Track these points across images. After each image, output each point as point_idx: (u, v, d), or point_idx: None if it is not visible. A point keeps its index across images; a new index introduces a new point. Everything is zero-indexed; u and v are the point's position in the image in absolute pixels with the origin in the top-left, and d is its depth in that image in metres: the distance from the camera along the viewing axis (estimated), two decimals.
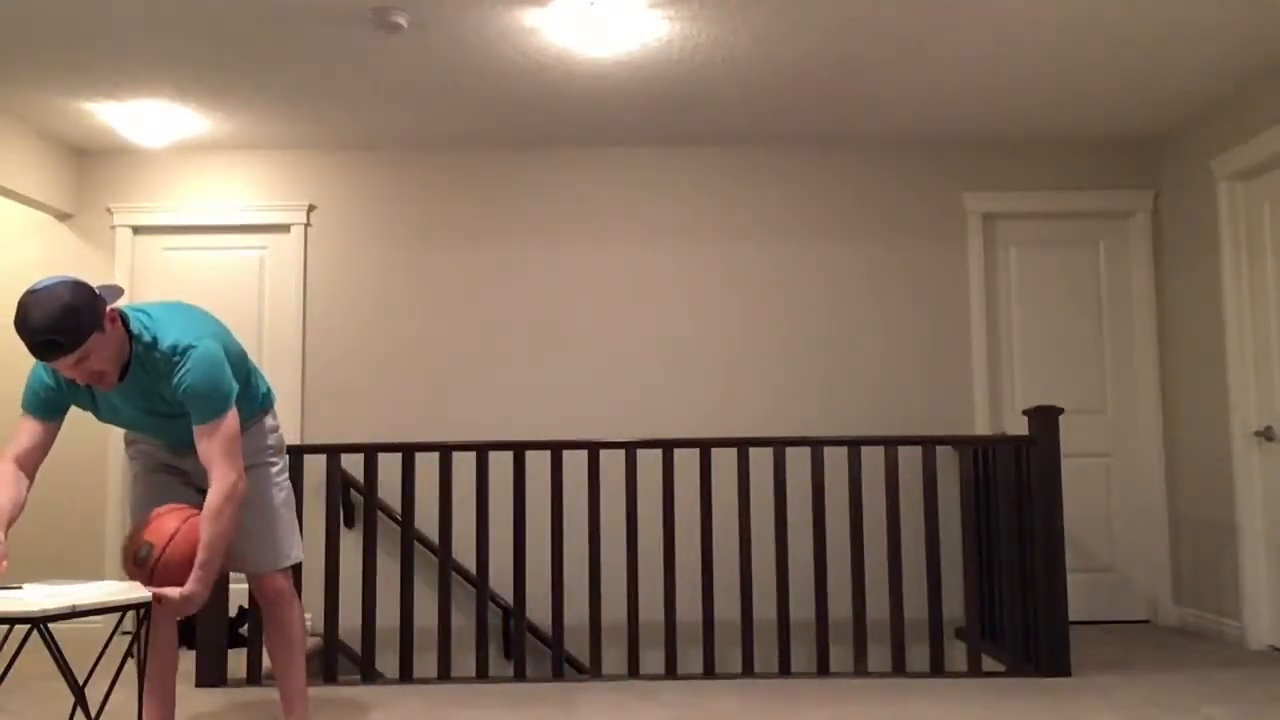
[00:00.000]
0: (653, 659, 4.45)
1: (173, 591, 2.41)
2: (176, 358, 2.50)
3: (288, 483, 2.93)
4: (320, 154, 5.56)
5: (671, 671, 4.18)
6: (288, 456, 3.00)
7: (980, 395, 5.41)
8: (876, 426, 5.18)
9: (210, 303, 5.52)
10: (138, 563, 2.44)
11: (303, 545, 2.96)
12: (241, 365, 2.73)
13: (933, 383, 5.44)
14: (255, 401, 2.89)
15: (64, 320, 2.29)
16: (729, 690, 3.91)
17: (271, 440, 2.92)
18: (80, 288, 2.35)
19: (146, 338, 2.51)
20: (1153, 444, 5.40)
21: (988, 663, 4.32)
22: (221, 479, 2.48)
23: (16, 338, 2.16)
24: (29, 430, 2.55)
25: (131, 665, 3.08)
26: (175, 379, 2.49)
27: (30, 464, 2.55)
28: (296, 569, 3.14)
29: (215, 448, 2.51)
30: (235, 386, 2.58)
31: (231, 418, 2.54)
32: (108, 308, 2.41)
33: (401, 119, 5.09)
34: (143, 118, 4.96)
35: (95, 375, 2.42)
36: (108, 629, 3.43)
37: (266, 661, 4.17)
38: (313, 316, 5.48)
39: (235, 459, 2.52)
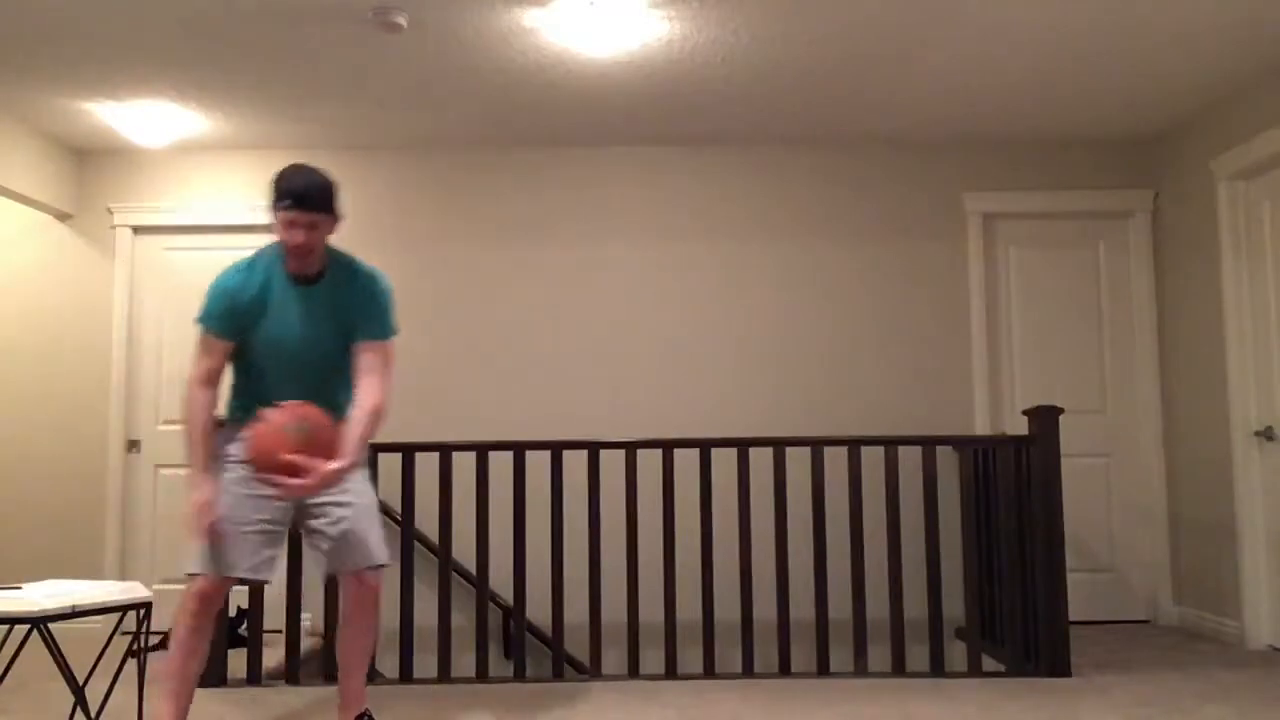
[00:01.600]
0: (653, 659, 4.45)
1: (328, 465, 2.58)
2: (375, 277, 2.87)
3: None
4: (320, 154, 5.56)
5: (671, 671, 4.18)
6: None
7: (980, 395, 5.41)
8: (876, 426, 5.18)
9: None
10: (300, 437, 2.56)
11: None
12: None
13: (933, 383, 5.44)
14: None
15: (327, 187, 2.76)
16: (729, 690, 3.91)
17: None
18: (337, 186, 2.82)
19: (345, 259, 2.88)
20: (1153, 444, 5.40)
21: (988, 663, 4.32)
22: (380, 389, 2.77)
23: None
24: (217, 349, 2.79)
25: (132, 665, 3.08)
26: (373, 290, 2.84)
27: (217, 382, 2.79)
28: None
29: (379, 361, 2.81)
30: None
31: (393, 348, 2.87)
32: (339, 217, 2.83)
33: (402, 119, 5.09)
34: (143, 118, 4.96)
35: (307, 249, 2.73)
36: (108, 629, 3.43)
37: (268, 661, 4.18)
38: None
39: (389, 381, 2.83)
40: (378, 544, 2.86)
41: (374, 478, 4.19)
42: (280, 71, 4.43)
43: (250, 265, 2.84)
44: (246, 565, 2.75)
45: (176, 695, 2.77)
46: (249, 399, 2.85)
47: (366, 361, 2.80)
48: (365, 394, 2.76)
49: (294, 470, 2.56)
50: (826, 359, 5.44)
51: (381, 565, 2.86)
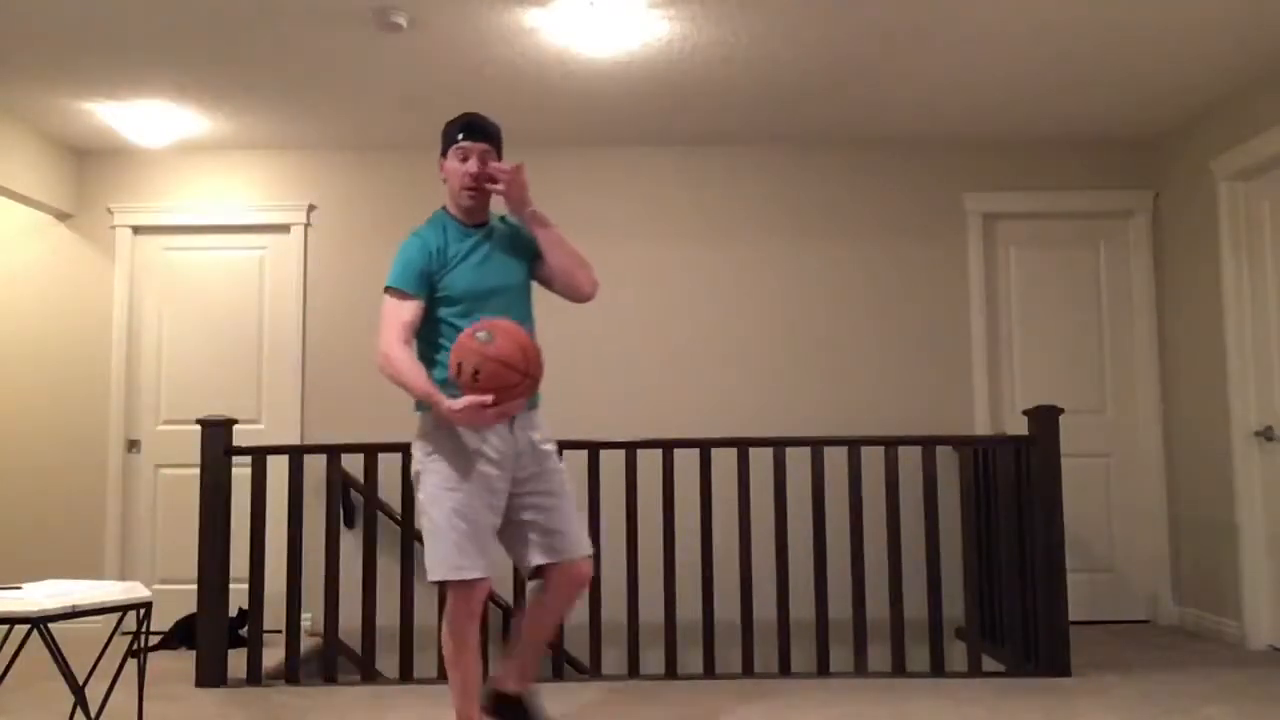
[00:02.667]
0: (653, 659, 4.44)
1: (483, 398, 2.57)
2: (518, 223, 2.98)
3: None
4: (320, 154, 5.56)
5: (671, 671, 4.18)
6: None
7: (980, 395, 5.41)
8: (876, 426, 5.17)
9: (210, 303, 5.53)
10: (478, 344, 2.58)
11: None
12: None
13: (933, 383, 5.44)
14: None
15: (497, 127, 2.91)
16: (729, 690, 3.91)
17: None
18: None
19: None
20: (1153, 444, 5.40)
21: (988, 663, 4.32)
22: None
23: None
24: (410, 308, 2.79)
25: (132, 665, 3.08)
26: (516, 227, 2.97)
27: (411, 341, 2.80)
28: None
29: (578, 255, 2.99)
30: None
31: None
32: None
33: (401, 119, 5.09)
34: (143, 118, 4.96)
35: (477, 179, 2.82)
36: (108, 629, 3.42)
37: (268, 661, 4.18)
38: (313, 316, 5.48)
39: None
40: (584, 533, 2.93)
41: (374, 477, 4.21)
42: (280, 71, 4.43)
43: (426, 227, 2.90)
44: (486, 561, 2.75)
45: (468, 696, 2.83)
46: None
47: (545, 268, 2.99)
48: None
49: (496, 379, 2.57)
50: (827, 359, 5.44)
51: (589, 554, 2.91)
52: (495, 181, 2.83)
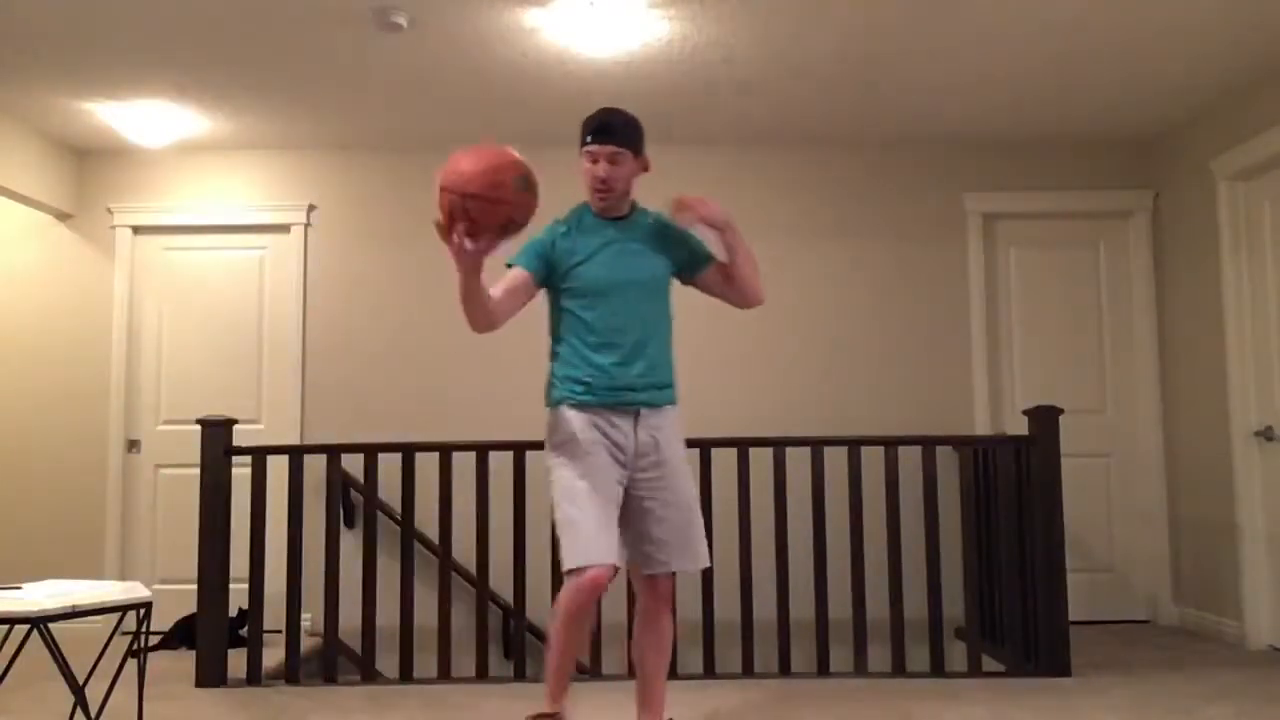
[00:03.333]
0: None
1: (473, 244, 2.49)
2: (657, 213, 2.87)
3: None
4: (320, 154, 5.56)
5: (672, 671, 4.17)
6: None
7: (980, 395, 5.41)
8: (876, 426, 5.17)
9: (210, 303, 5.53)
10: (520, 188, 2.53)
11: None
12: None
13: (933, 383, 5.44)
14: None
15: (631, 123, 2.78)
16: (729, 690, 3.91)
17: (679, 422, 2.85)
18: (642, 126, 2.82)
19: (643, 208, 2.88)
20: (1153, 444, 5.40)
21: (988, 663, 4.32)
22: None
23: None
24: (511, 274, 2.76)
25: (132, 665, 3.08)
26: (662, 222, 2.85)
27: (503, 310, 2.73)
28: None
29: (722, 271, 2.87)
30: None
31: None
32: (646, 158, 2.82)
33: (401, 119, 5.09)
34: (143, 118, 4.96)
35: (605, 183, 2.74)
36: (108, 629, 3.42)
37: (268, 661, 4.18)
38: (313, 316, 5.48)
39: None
40: (698, 544, 2.77)
41: (374, 477, 4.21)
42: (280, 71, 4.43)
43: (566, 216, 2.85)
44: (612, 550, 2.66)
45: (564, 677, 2.80)
46: (577, 360, 2.77)
47: (718, 276, 2.87)
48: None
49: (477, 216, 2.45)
50: (826, 359, 5.44)
51: (700, 568, 2.78)
52: (687, 209, 2.76)
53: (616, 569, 2.63)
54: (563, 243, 2.77)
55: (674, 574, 2.77)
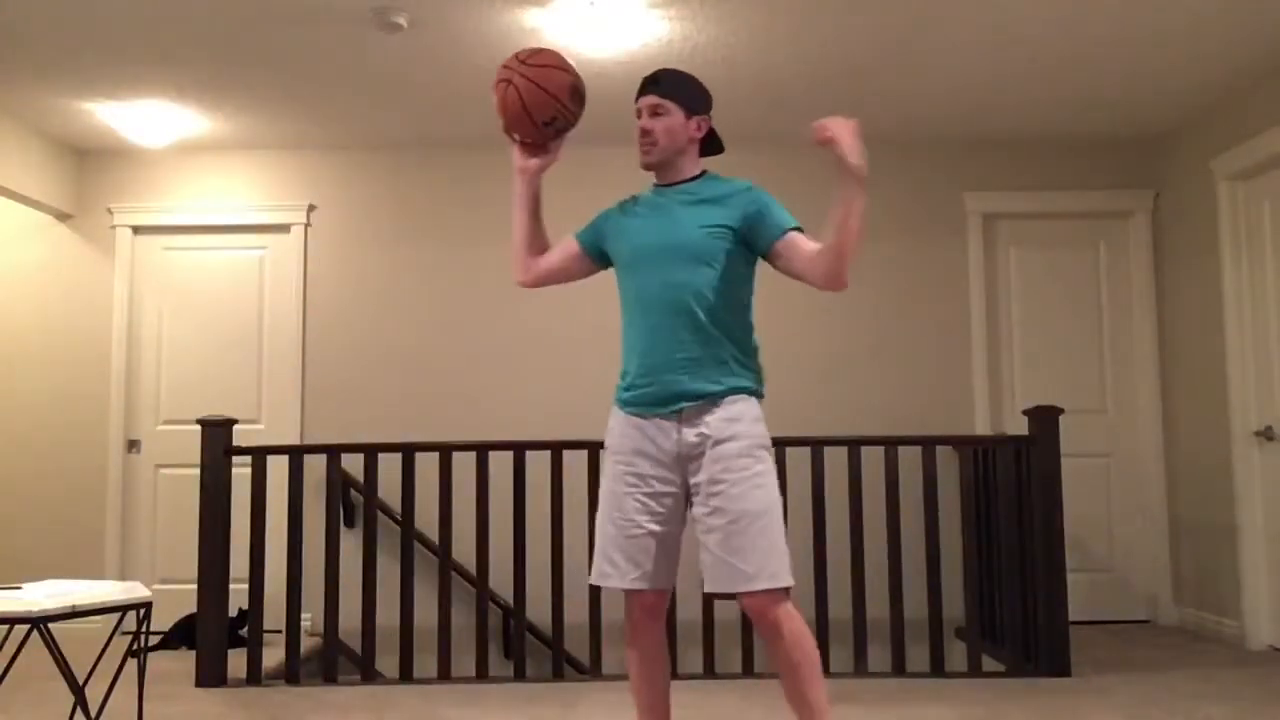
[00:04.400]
0: None
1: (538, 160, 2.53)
2: (735, 182, 2.53)
3: (773, 486, 2.37)
4: (320, 154, 5.56)
5: (672, 671, 4.17)
6: (770, 456, 2.42)
7: (980, 395, 5.41)
8: (876, 426, 5.17)
9: (210, 303, 5.53)
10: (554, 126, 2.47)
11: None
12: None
13: (933, 383, 5.43)
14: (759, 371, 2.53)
15: (681, 77, 2.51)
16: (729, 690, 3.91)
17: (755, 430, 2.40)
18: (704, 88, 2.55)
19: (721, 177, 2.55)
20: (1153, 444, 5.40)
21: (988, 663, 4.32)
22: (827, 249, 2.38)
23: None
24: (564, 242, 2.66)
25: (132, 665, 3.08)
26: (727, 190, 2.48)
27: (544, 265, 2.67)
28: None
29: (806, 245, 2.43)
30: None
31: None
32: (705, 120, 2.52)
33: (401, 119, 5.09)
34: (143, 118, 4.96)
35: (648, 136, 2.47)
36: (108, 629, 3.43)
37: (268, 661, 4.18)
38: (313, 316, 5.48)
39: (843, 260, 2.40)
40: (767, 561, 2.29)
41: (374, 477, 4.21)
42: (280, 71, 4.43)
43: (633, 196, 2.64)
44: (634, 575, 2.39)
45: (645, 711, 2.57)
46: (629, 360, 2.52)
47: (804, 248, 2.42)
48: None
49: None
50: (826, 359, 5.44)
51: (757, 588, 2.28)
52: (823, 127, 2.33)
53: (659, 591, 2.41)
54: (617, 215, 2.59)
55: (761, 592, 2.28)
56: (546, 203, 2.72)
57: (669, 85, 2.48)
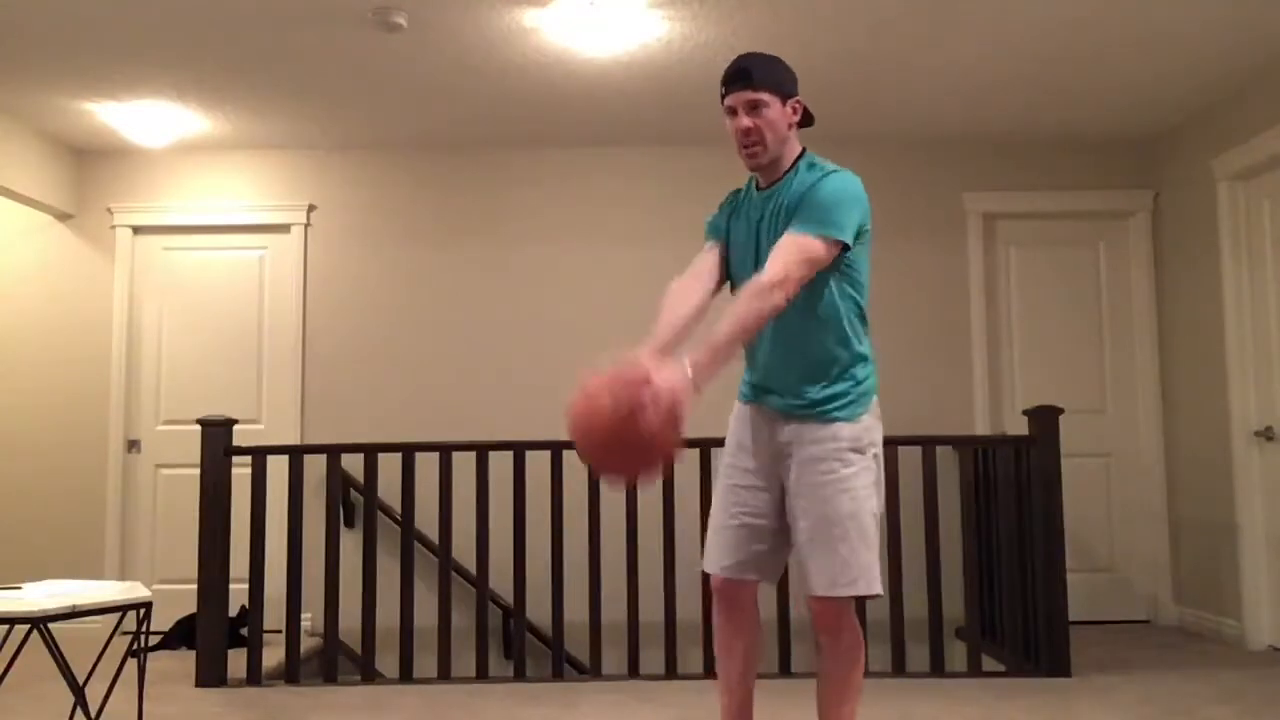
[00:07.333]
0: (653, 659, 4.44)
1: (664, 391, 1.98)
2: (823, 171, 2.32)
3: (865, 493, 2.34)
4: (320, 154, 5.56)
5: (671, 671, 4.18)
6: (874, 463, 2.40)
7: (980, 395, 5.41)
8: None
9: (210, 302, 5.53)
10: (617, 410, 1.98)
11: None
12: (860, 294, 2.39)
13: (933, 383, 5.43)
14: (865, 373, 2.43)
15: (769, 62, 2.35)
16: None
17: (849, 432, 2.35)
18: (789, 67, 2.40)
19: (819, 162, 2.36)
20: (1153, 444, 5.40)
21: (988, 663, 4.31)
22: (769, 269, 2.17)
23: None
24: (705, 250, 2.46)
25: (132, 665, 3.08)
26: (816, 183, 2.28)
27: (704, 278, 2.40)
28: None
29: (790, 249, 2.18)
30: (851, 231, 2.25)
31: (828, 246, 2.21)
32: (799, 102, 2.39)
33: (401, 119, 5.09)
34: (143, 118, 4.96)
35: (749, 134, 2.32)
36: (108, 629, 3.42)
37: (268, 661, 4.18)
38: (313, 316, 5.48)
39: (799, 270, 2.17)
40: (828, 567, 2.26)
41: (374, 477, 4.20)
42: (280, 71, 4.43)
43: (734, 193, 2.53)
44: (729, 561, 2.36)
45: (723, 711, 2.52)
46: (747, 364, 2.46)
47: (776, 253, 2.20)
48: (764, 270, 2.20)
49: (623, 452, 1.99)
50: None
51: (822, 593, 2.28)
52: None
53: (746, 581, 2.38)
54: (726, 209, 2.48)
55: (826, 599, 2.30)
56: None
57: (762, 73, 2.31)
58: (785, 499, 2.36)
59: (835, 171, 2.32)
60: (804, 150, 2.40)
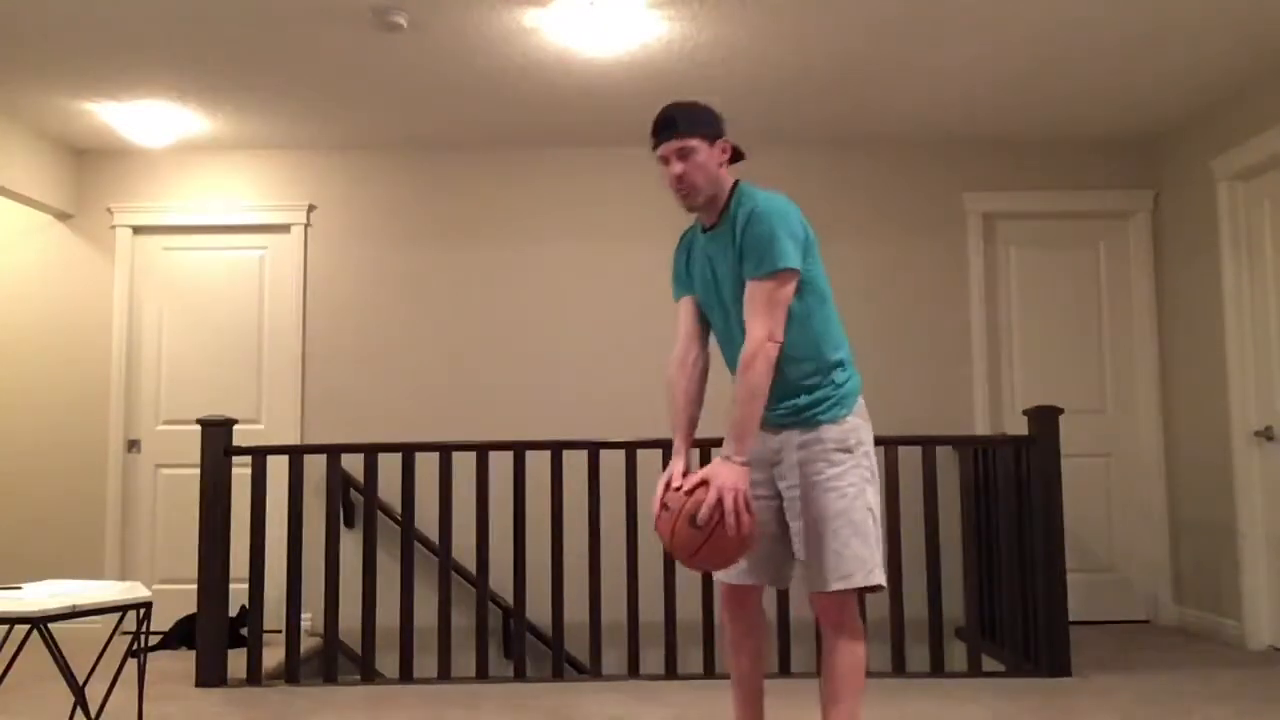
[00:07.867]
0: (653, 659, 4.45)
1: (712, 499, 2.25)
2: (757, 205, 2.41)
3: (854, 490, 2.44)
4: (320, 154, 5.56)
5: (671, 671, 4.18)
6: (864, 460, 2.53)
7: (980, 395, 5.41)
8: (877, 426, 5.15)
9: (210, 302, 5.53)
10: (693, 524, 2.30)
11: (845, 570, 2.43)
12: (822, 291, 2.50)
13: (933, 383, 5.43)
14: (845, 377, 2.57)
15: (692, 109, 2.47)
16: (729, 690, 3.90)
17: (833, 434, 2.49)
18: (714, 110, 2.51)
19: (749, 196, 2.46)
20: (1153, 444, 5.40)
21: (988, 663, 4.32)
22: (750, 333, 2.33)
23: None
24: (681, 307, 2.64)
25: (132, 665, 3.08)
26: (749, 219, 2.39)
27: (696, 336, 2.60)
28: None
29: (756, 301, 2.34)
30: (796, 254, 2.38)
31: (781, 279, 2.35)
32: (726, 142, 2.49)
33: (401, 119, 5.09)
34: (143, 118, 4.96)
35: (682, 180, 2.43)
36: (108, 629, 3.42)
37: (268, 661, 4.18)
38: (313, 316, 5.48)
39: (772, 316, 2.33)
40: (824, 564, 2.39)
41: (374, 477, 4.20)
42: (280, 71, 4.43)
43: (680, 240, 2.67)
44: (736, 570, 2.49)
45: (736, 700, 2.64)
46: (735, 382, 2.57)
47: (749, 306, 2.36)
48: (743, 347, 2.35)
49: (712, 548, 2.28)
50: None
51: (820, 589, 2.40)
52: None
53: (751, 586, 2.53)
54: (684, 273, 2.62)
55: (824, 593, 2.42)
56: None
57: (686, 121, 2.44)
58: (783, 505, 2.49)
59: (758, 204, 2.42)
60: (736, 183, 2.52)
